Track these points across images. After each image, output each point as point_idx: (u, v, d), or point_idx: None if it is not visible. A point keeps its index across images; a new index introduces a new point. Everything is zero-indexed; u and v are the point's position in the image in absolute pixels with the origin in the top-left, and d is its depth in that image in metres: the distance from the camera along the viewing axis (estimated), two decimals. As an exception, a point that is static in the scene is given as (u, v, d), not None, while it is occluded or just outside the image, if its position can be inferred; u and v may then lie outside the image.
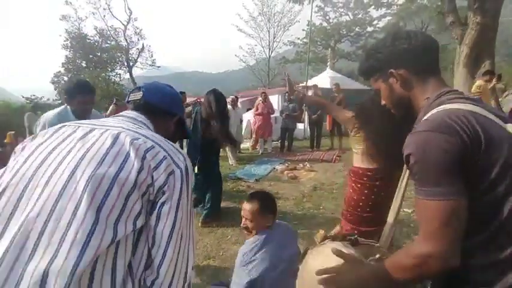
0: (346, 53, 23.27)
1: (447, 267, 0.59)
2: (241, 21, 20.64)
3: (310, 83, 10.10)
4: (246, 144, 7.35)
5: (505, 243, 0.60)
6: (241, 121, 6.55)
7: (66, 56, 17.71)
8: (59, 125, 0.67)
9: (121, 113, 0.76)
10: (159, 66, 19.68)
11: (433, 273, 0.62)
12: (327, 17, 22.48)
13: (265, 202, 1.40)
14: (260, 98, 6.66)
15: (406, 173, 0.94)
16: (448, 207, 0.58)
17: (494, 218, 0.61)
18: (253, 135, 6.87)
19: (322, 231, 1.14)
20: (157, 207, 0.56)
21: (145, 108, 0.76)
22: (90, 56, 18.14)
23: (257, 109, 6.54)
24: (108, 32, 17.83)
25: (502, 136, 0.62)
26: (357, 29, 21.95)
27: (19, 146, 0.66)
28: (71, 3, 16.63)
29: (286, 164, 5.08)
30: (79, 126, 0.65)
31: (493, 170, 0.60)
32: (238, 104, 7.10)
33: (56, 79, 18.21)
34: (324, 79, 10.63)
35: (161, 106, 0.79)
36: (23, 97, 13.12)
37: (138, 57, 17.92)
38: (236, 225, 2.46)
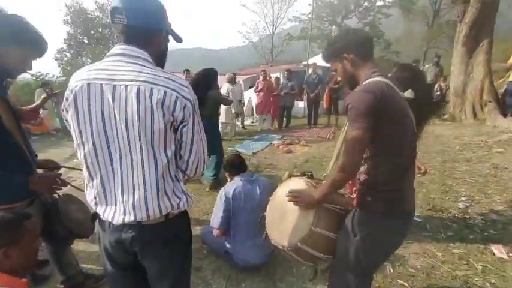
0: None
1: (352, 174, 1.03)
2: (244, -4, 19.74)
3: (313, 61, 10.07)
4: (247, 121, 7.61)
5: (395, 159, 1.04)
6: (240, 100, 6.68)
7: (68, 32, 17.54)
8: (84, 84, 0.82)
9: (118, 50, 0.85)
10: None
11: (346, 179, 1.08)
12: (334, -10, 21.45)
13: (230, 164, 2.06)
14: (261, 76, 6.80)
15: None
16: (357, 136, 0.97)
17: (389, 143, 1.03)
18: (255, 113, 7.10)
19: (287, 172, 1.50)
20: (181, 129, 0.86)
21: (134, 36, 0.85)
22: (92, 32, 17.92)
23: (257, 87, 6.72)
24: (109, 7, 17.42)
25: (400, 98, 1.05)
26: (365, 4, 21.08)
27: (64, 106, 0.89)
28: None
29: (283, 140, 5.38)
30: (101, 84, 0.81)
31: (390, 116, 1.00)
32: (240, 82, 7.23)
33: (58, 55, 18.16)
34: (326, 57, 10.52)
35: (148, 27, 0.86)
36: (29, 74, 13.28)
37: (140, 33, 17.77)
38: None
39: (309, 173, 1.35)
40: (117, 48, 0.86)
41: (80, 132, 0.84)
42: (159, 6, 0.88)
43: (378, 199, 1.05)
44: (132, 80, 0.80)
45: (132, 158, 0.84)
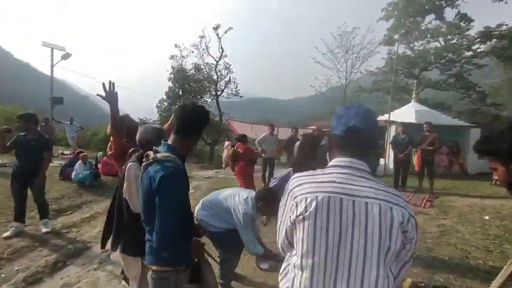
0: (433, 82, 20.92)
1: None
2: (318, 53, 21.24)
3: (393, 116, 9.61)
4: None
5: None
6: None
7: (169, 86, 21.75)
8: (325, 196, 0.84)
9: (344, 163, 0.89)
10: (241, 96, 22.03)
11: None
12: (411, 45, 20.99)
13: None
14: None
15: None
16: None
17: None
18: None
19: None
20: (406, 246, 0.86)
21: (361, 149, 0.91)
22: (186, 86, 21.76)
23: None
24: (203, 67, 21.16)
25: None
26: (449, 55, 19.61)
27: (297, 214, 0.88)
28: (178, 46, 20.71)
29: None
30: (341, 199, 0.83)
31: None
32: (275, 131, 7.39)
33: (159, 104, 22.43)
34: (408, 113, 9.88)
35: (374, 141, 1.00)
36: (138, 118, 16.74)
37: (225, 88, 20.64)
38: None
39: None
40: (342, 160, 0.90)
41: (314, 242, 0.83)
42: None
43: None
44: (372, 198, 0.83)
45: (363, 278, 0.80)
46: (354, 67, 21.87)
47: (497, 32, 16.97)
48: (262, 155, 7.10)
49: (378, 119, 11.80)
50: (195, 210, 2.41)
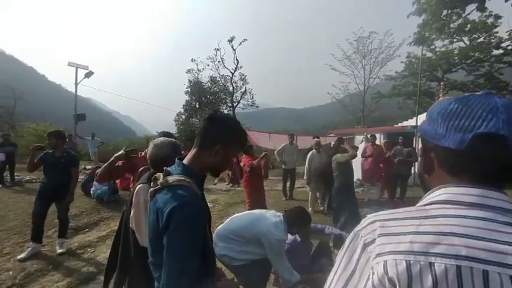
0: (460, 84, 19.76)
1: None
2: (334, 60, 20.82)
3: (419, 121, 9.02)
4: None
5: None
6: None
7: (186, 100, 22.14)
8: (452, 267, 0.43)
9: (485, 198, 0.49)
10: (257, 107, 21.99)
11: None
12: (432, 47, 20.04)
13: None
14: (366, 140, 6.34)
15: None
16: None
17: None
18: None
19: None
20: None
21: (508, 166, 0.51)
22: (202, 98, 22.07)
23: (365, 152, 6.23)
24: (219, 79, 21.45)
25: None
26: (476, 55, 18.47)
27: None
28: (195, 60, 21.19)
29: None
30: (485, 272, 0.43)
31: None
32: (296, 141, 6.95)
33: (176, 117, 22.84)
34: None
35: None
36: (156, 132, 17.01)
37: (241, 99, 20.71)
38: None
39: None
40: (467, 192, 0.51)
41: None
42: None
43: None
44: None
45: None
46: (372, 72, 21.16)
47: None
48: (283, 166, 6.76)
49: (404, 124, 11.19)
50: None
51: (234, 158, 6.02)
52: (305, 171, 5.72)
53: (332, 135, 11.68)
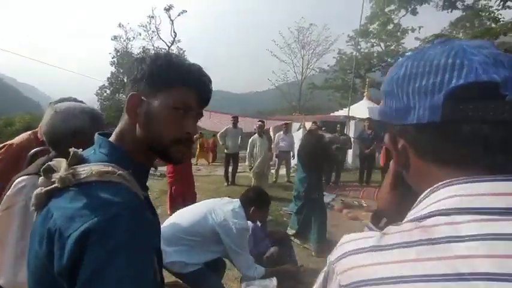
0: (376, 83, 23.28)
1: None
2: (275, 47, 21.38)
3: (347, 112, 10.07)
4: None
5: None
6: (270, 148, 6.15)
7: (111, 71, 19.19)
8: None
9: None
10: (194, 85, 20.78)
11: None
12: (358, 47, 22.81)
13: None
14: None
15: None
16: None
17: None
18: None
19: None
20: None
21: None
22: (133, 72, 19.53)
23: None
24: (153, 51, 19.19)
25: None
26: (389, 60, 22.03)
27: None
28: (123, 25, 18.32)
29: (340, 201, 4.94)
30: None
31: None
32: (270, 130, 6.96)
33: (99, 91, 19.66)
34: (361, 110, 10.56)
35: None
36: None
37: (177, 76, 19.18)
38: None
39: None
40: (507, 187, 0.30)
41: None
42: None
43: None
44: None
45: None
46: (310, 63, 22.69)
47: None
48: (225, 150, 6.54)
49: (335, 114, 12.36)
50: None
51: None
52: (246, 156, 5.63)
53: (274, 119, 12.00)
